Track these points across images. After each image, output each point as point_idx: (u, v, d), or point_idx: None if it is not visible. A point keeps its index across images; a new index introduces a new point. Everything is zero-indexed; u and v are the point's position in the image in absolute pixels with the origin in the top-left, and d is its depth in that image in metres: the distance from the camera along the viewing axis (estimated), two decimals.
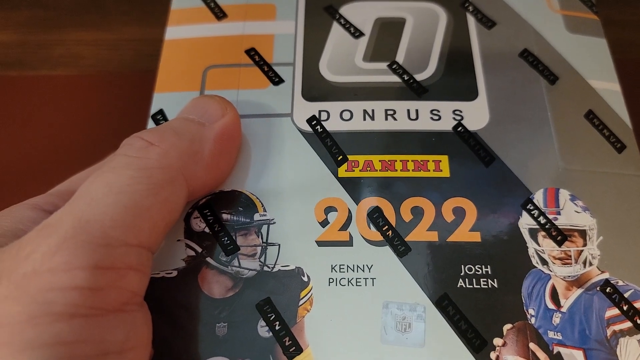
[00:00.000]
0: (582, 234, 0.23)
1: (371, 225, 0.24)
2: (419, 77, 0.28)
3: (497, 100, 0.27)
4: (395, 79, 0.27)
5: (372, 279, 0.23)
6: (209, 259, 0.23)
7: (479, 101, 0.27)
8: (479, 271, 0.23)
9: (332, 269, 0.23)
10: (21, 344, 0.17)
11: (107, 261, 0.18)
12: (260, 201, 0.24)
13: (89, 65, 0.44)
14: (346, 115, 0.26)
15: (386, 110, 0.26)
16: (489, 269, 0.23)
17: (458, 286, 0.22)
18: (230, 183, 0.25)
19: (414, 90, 0.27)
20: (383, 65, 0.28)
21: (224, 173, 0.24)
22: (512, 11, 0.30)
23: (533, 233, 0.23)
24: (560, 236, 0.23)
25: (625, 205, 0.24)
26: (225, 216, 0.24)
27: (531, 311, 0.22)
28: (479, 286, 0.22)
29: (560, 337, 0.22)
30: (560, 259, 0.23)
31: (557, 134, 0.26)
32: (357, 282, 0.23)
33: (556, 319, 0.22)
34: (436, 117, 0.26)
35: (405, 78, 0.27)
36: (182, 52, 0.29)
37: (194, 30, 0.30)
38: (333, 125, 0.26)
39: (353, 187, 0.25)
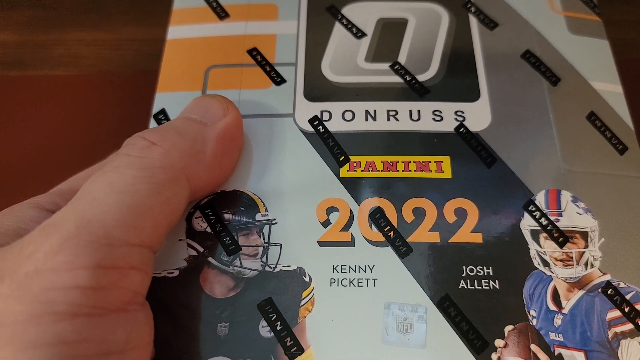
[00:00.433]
0: (584, 235, 0.23)
1: (373, 226, 0.24)
2: (421, 77, 0.28)
3: (499, 101, 0.27)
4: (397, 79, 0.28)
5: (374, 279, 0.23)
6: (210, 259, 0.23)
7: (480, 102, 0.27)
8: (480, 272, 0.23)
9: (333, 269, 0.23)
10: (23, 343, 0.17)
11: (109, 260, 0.18)
12: (262, 201, 0.24)
13: (89, 65, 0.44)
14: (348, 115, 0.26)
15: (388, 111, 0.26)
16: (490, 270, 0.23)
17: (459, 287, 0.22)
18: (232, 183, 0.25)
19: (416, 91, 0.27)
20: (385, 65, 0.28)
21: (226, 173, 0.24)
22: (514, 12, 0.30)
23: (534, 234, 0.23)
24: (562, 238, 0.23)
25: (627, 207, 0.24)
26: (227, 216, 0.24)
27: (532, 312, 0.22)
28: (480, 287, 0.22)
29: (562, 339, 0.21)
30: (561, 260, 0.23)
31: (559, 135, 0.26)
32: (358, 282, 0.23)
33: (557, 321, 0.22)
34: (438, 118, 0.26)
35: (407, 79, 0.27)
36: (184, 51, 0.29)
37: (196, 30, 0.30)
38: (335, 125, 0.26)
39: (355, 187, 0.25)
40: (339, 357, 0.21)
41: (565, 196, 0.24)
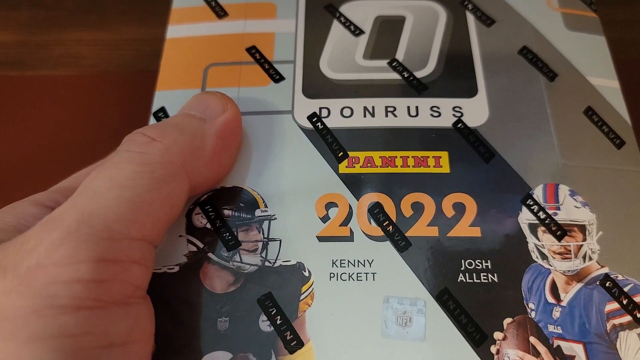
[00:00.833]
0: (582, 229, 0.23)
1: (372, 221, 0.24)
2: (419, 74, 0.28)
3: (496, 97, 0.27)
4: (395, 76, 0.28)
5: (373, 273, 0.23)
6: (210, 255, 0.23)
7: (478, 98, 0.27)
8: (479, 266, 0.23)
9: (333, 264, 0.23)
10: (26, 337, 0.17)
11: (110, 254, 0.19)
12: (261, 197, 0.24)
13: (89, 65, 0.44)
14: (347, 112, 0.27)
15: (386, 107, 0.27)
16: (489, 264, 0.23)
17: (458, 281, 0.23)
18: (231, 179, 0.25)
19: (414, 87, 0.27)
20: (383, 62, 0.28)
21: (225, 168, 0.25)
22: (511, 9, 0.30)
23: (533, 228, 0.23)
24: (560, 231, 0.23)
25: (625, 201, 0.24)
26: (226, 212, 0.24)
27: (531, 305, 0.22)
28: (479, 281, 0.22)
29: (560, 331, 0.22)
30: (560, 253, 0.23)
31: (557, 130, 0.26)
32: (357, 276, 0.23)
33: (556, 313, 0.22)
34: (436, 114, 0.26)
35: (405, 75, 0.28)
36: (183, 50, 0.29)
37: (195, 29, 0.30)
38: (334, 122, 0.26)
39: (354, 183, 0.25)
40: (339, 350, 0.21)
41: (563, 190, 0.24)
